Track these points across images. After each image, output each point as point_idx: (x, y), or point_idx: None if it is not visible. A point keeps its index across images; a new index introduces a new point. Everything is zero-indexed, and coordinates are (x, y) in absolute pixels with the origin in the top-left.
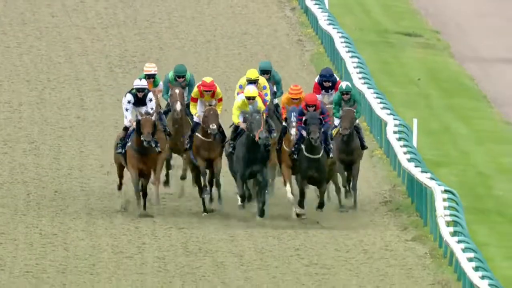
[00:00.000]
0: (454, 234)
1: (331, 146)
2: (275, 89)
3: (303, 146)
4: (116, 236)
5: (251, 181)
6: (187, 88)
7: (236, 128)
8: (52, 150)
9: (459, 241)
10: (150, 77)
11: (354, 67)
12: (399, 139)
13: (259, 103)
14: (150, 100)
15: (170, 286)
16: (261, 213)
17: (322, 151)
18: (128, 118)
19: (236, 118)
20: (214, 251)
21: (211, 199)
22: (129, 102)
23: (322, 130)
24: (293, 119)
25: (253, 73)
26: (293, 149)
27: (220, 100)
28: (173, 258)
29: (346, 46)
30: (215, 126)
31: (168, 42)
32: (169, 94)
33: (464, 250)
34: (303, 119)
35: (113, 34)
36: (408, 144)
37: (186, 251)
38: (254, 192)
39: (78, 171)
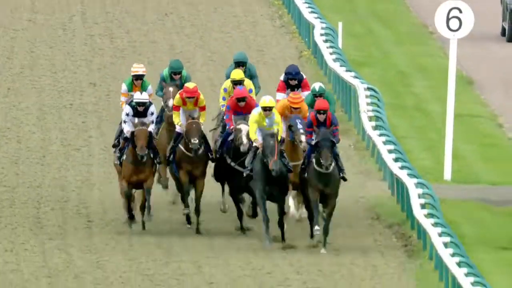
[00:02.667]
0: (375, 128)
1: (342, 165)
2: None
3: (313, 160)
4: (65, 130)
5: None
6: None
7: (253, 150)
8: (5, 51)
9: (380, 135)
10: (138, 78)
11: None
12: (326, 41)
13: (276, 116)
14: (152, 113)
15: (115, 176)
16: (283, 238)
17: (333, 166)
18: (126, 130)
19: (254, 134)
20: None
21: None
22: (127, 114)
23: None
24: (300, 126)
25: (238, 74)
26: (302, 165)
27: (203, 108)
28: None
29: None
30: (196, 141)
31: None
32: (163, 91)
33: (385, 142)
34: (314, 141)
35: None
36: (333, 46)
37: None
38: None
39: (29, 69)
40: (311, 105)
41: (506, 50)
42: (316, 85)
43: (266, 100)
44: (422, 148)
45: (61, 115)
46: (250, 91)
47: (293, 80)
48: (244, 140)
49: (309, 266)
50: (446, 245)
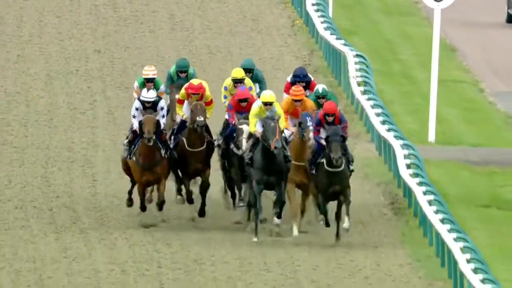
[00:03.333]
0: (364, 92)
1: (351, 157)
2: (258, 89)
3: (323, 160)
4: (71, 95)
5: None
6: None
7: (252, 138)
8: (15, 20)
9: (368, 99)
10: (149, 81)
11: None
12: (317, 10)
13: (277, 108)
14: (162, 108)
15: (118, 137)
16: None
17: (344, 164)
18: (135, 124)
19: (253, 127)
20: None
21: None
22: (136, 109)
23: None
24: (309, 123)
25: (239, 72)
26: (310, 164)
27: (210, 103)
28: (121, 112)
29: None
30: (202, 118)
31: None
32: (170, 99)
33: (373, 106)
34: (325, 135)
35: None
36: (324, 15)
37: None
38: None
39: (38, 37)
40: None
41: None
42: (320, 87)
43: (266, 95)
44: (408, 112)
45: (68, 80)
46: (250, 88)
47: (301, 83)
48: (244, 144)
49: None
50: (430, 202)
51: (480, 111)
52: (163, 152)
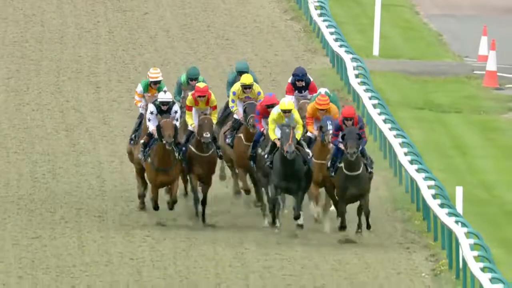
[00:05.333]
0: (320, 15)
1: (371, 160)
2: None
3: (341, 164)
4: (78, 16)
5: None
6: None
7: (272, 144)
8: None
9: (323, 20)
10: (155, 83)
11: None
12: None
13: (296, 116)
14: (176, 112)
15: (117, 52)
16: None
17: (362, 167)
18: (151, 128)
19: (272, 133)
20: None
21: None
22: (151, 113)
23: (360, 147)
24: (330, 127)
25: (247, 78)
26: (328, 166)
27: (215, 107)
28: (119, 31)
29: None
30: (208, 135)
31: None
32: (181, 96)
33: (328, 26)
34: (341, 134)
35: None
36: None
37: None
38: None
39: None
40: None
41: None
42: (322, 90)
43: (285, 102)
44: (356, 30)
45: (75, 4)
46: (259, 94)
47: (300, 82)
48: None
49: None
50: (374, 106)
51: (416, 30)
52: (177, 154)
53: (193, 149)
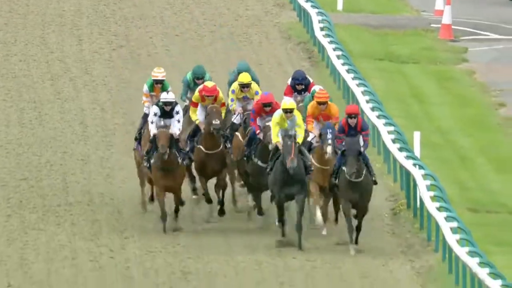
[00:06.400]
0: None
1: (372, 170)
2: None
3: (344, 169)
4: None
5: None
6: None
7: (275, 148)
8: None
9: None
10: (158, 82)
11: None
12: None
13: (298, 119)
14: (177, 112)
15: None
16: (300, 245)
17: (364, 173)
18: (153, 131)
19: (276, 137)
20: None
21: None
22: (155, 114)
23: (361, 162)
24: (329, 136)
25: (245, 77)
26: (332, 172)
27: (223, 104)
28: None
29: None
30: (218, 122)
31: None
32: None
33: None
34: (341, 148)
35: None
36: None
37: None
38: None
39: None
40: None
41: None
42: (317, 88)
43: (286, 102)
44: None
45: None
46: (257, 93)
47: (300, 85)
48: (273, 138)
49: None
50: (338, 57)
51: None
52: (179, 160)
53: (202, 148)
